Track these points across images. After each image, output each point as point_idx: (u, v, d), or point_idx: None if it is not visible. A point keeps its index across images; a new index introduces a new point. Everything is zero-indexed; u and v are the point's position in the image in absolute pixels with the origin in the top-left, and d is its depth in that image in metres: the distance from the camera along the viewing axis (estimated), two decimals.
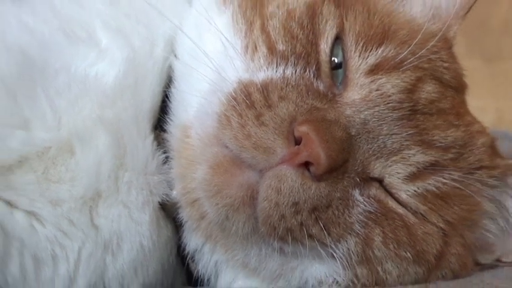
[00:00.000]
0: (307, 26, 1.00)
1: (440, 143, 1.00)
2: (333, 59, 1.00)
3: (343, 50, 1.00)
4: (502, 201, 1.08)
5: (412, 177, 0.97)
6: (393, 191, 0.97)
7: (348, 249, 0.95)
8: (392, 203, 0.97)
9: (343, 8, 1.02)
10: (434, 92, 1.02)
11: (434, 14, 1.10)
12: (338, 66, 1.00)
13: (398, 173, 0.97)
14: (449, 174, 0.99)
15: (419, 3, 1.12)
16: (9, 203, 0.95)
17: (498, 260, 1.12)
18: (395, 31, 1.03)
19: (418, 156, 0.98)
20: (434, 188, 0.99)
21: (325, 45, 0.99)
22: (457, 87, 1.08)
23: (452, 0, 1.12)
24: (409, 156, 0.98)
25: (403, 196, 0.97)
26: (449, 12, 1.11)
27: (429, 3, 1.12)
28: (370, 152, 0.95)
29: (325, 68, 0.98)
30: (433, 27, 1.07)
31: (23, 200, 0.95)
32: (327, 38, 1.00)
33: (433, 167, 0.99)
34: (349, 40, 1.00)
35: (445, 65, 1.06)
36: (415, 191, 0.97)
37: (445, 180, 0.99)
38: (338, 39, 1.00)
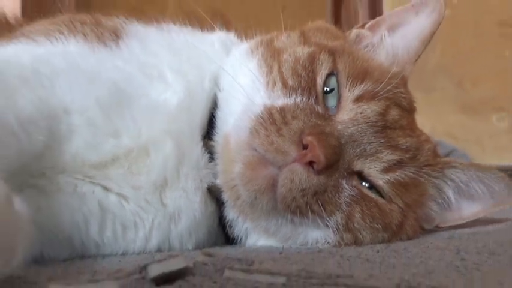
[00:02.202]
0: (308, 67, 1.03)
1: (402, 147, 1.04)
2: (325, 88, 1.02)
3: (337, 84, 1.03)
4: (441, 187, 1.12)
5: (385, 170, 1.01)
6: (371, 179, 1.01)
7: (337, 221, 0.98)
8: (367, 190, 1.01)
9: (335, 56, 1.05)
10: (397, 114, 1.05)
11: (395, 60, 1.14)
12: (329, 91, 1.02)
13: (375, 167, 1.01)
14: (409, 168, 1.04)
15: (384, 53, 1.15)
16: (106, 188, 0.97)
17: (437, 226, 1.16)
18: (371, 72, 1.06)
19: (388, 156, 1.02)
20: (399, 178, 1.03)
21: (320, 81, 1.03)
22: (410, 110, 1.13)
23: (407, 51, 1.15)
24: (382, 156, 1.01)
25: (380, 182, 1.01)
26: (404, 59, 1.15)
27: (391, 53, 1.15)
28: (354, 155, 0.99)
29: (320, 96, 1.02)
30: (395, 70, 1.09)
31: (114, 186, 0.97)
32: (322, 75, 1.03)
33: (398, 163, 1.03)
34: (342, 78, 1.04)
35: (403, 95, 1.10)
36: (388, 179, 1.01)
37: (406, 173, 1.04)
38: (329, 76, 1.03)
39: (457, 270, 0.76)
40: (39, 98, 0.89)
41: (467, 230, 1.15)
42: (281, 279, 0.64)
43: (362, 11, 2.77)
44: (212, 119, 1.05)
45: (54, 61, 0.95)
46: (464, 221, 1.16)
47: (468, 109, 2.58)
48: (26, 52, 0.96)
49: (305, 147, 0.92)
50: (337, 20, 2.70)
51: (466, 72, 2.58)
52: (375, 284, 0.61)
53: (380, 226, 1.02)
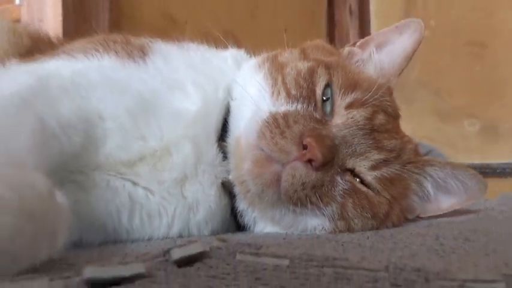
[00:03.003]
0: (308, 79, 1.03)
1: (388, 148, 1.03)
2: (323, 97, 1.02)
3: (331, 93, 1.03)
4: (421, 182, 1.11)
5: (373, 168, 1.01)
6: (361, 175, 1.00)
7: (332, 210, 0.97)
8: (358, 184, 1.00)
9: (330, 70, 1.05)
10: (383, 119, 1.05)
11: (381, 73, 1.13)
12: (326, 100, 1.02)
13: (364, 165, 1.00)
14: (393, 166, 1.04)
15: (373, 67, 1.14)
16: (134, 183, 0.97)
17: (418, 216, 1.15)
18: (361, 83, 1.06)
19: (375, 156, 1.01)
20: (385, 174, 1.02)
21: (319, 91, 1.02)
22: (395, 116, 1.12)
23: (392, 65, 1.15)
24: (370, 156, 1.00)
25: (368, 178, 1.00)
26: (390, 72, 1.14)
27: (378, 67, 1.14)
28: (347, 154, 0.99)
29: (319, 104, 1.01)
30: (382, 81, 1.08)
31: (142, 181, 0.97)
32: (320, 86, 1.03)
33: (384, 162, 1.02)
34: (335, 88, 1.03)
35: (389, 103, 1.09)
36: (375, 175, 1.01)
37: (391, 170, 1.03)
38: (327, 87, 1.03)
39: (436, 254, 0.75)
40: (77, 106, 0.90)
41: (444, 219, 1.14)
42: (285, 262, 0.64)
43: (352, 31, 2.76)
44: (225, 124, 1.05)
45: (91, 74, 0.95)
46: (441, 212, 1.15)
47: (443, 116, 2.58)
48: (66, 67, 0.96)
49: (305, 147, 0.91)
50: (331, 39, 2.69)
51: (442, 85, 2.58)
52: (367, 265, 0.60)
53: (369, 215, 1.01)
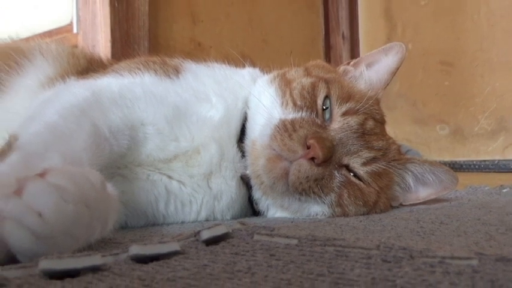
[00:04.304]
0: (311, 92, 1.02)
1: (376, 148, 1.02)
2: (323, 107, 1.00)
3: (330, 104, 1.01)
4: (403, 176, 1.10)
5: (364, 164, 0.99)
6: (355, 170, 0.99)
7: (331, 199, 0.96)
8: (352, 178, 0.99)
9: (329, 84, 1.03)
10: (372, 124, 1.03)
11: (371, 87, 1.11)
12: (325, 109, 1.00)
13: (357, 162, 0.99)
14: (381, 162, 1.02)
15: (363, 82, 1.12)
16: (170, 177, 0.97)
17: (401, 204, 1.13)
18: (354, 95, 1.05)
19: (366, 154, 1.00)
20: (374, 169, 1.01)
21: (320, 101, 1.01)
22: (382, 122, 1.10)
23: (379, 81, 1.13)
24: (362, 154, 0.99)
25: (360, 172, 0.99)
26: (377, 86, 1.12)
27: (368, 82, 1.12)
28: (343, 153, 0.97)
29: (320, 112, 1.00)
30: (371, 93, 1.07)
31: (176, 175, 0.97)
32: (321, 97, 1.01)
33: (373, 159, 1.01)
34: (333, 99, 1.02)
35: (377, 111, 1.08)
36: (366, 170, 0.99)
37: (379, 165, 1.02)
38: (326, 98, 1.01)
39: (418, 235, 0.75)
40: (124, 115, 0.90)
41: (422, 206, 1.12)
42: (294, 241, 0.63)
43: (345, 53, 2.75)
44: (243, 129, 1.03)
45: (135, 89, 0.95)
46: (420, 201, 1.13)
47: (419, 122, 2.56)
48: (115, 82, 0.96)
49: (308, 147, 0.90)
50: (328, 59, 2.68)
51: (418, 97, 2.56)
52: (361, 244, 0.59)
53: (361, 203, 1.00)
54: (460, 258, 0.53)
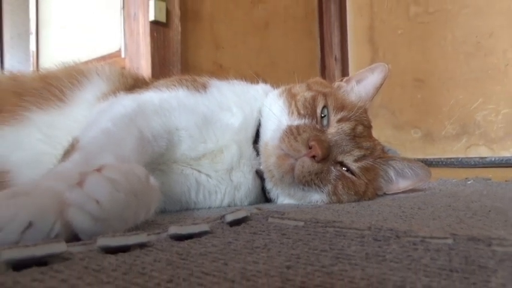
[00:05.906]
0: (312, 103, 1.00)
1: (365, 147, 1.00)
2: (322, 115, 0.99)
3: (327, 112, 1.00)
4: (386, 171, 1.07)
5: (356, 160, 0.98)
6: (348, 165, 0.97)
7: (329, 189, 0.95)
8: (346, 172, 0.97)
9: (326, 97, 1.02)
10: (361, 129, 1.01)
11: (360, 99, 1.09)
12: (323, 116, 0.98)
13: (350, 159, 0.97)
14: (369, 159, 1.00)
15: (354, 95, 1.09)
16: (199, 171, 0.96)
17: (385, 193, 1.11)
18: (346, 106, 1.03)
19: (357, 153, 0.98)
20: (364, 165, 0.99)
21: (319, 111, 0.99)
22: (369, 127, 1.07)
23: (366, 94, 1.10)
24: (354, 153, 0.97)
25: (353, 168, 0.97)
26: (365, 98, 1.10)
27: (358, 95, 1.10)
28: (338, 152, 0.96)
29: (319, 119, 0.99)
30: (360, 104, 1.05)
31: (204, 170, 0.96)
32: (320, 107, 0.99)
33: (363, 157, 0.99)
34: (330, 109, 1.00)
35: (365, 118, 1.05)
36: (357, 166, 0.98)
37: (367, 162, 1.00)
38: (324, 108, 1.00)
39: (400, 218, 0.73)
40: (163, 122, 0.89)
41: (403, 195, 1.10)
42: (301, 223, 0.62)
43: (337, 72, 2.73)
44: (258, 133, 1.02)
45: (171, 101, 0.94)
46: (401, 191, 1.11)
47: (397, 127, 2.53)
48: (155, 96, 0.95)
49: (310, 148, 0.89)
50: (323, 77, 2.66)
51: (396, 107, 2.53)
52: (356, 226, 0.58)
53: (353, 192, 0.98)
54: (437, 238, 0.51)
